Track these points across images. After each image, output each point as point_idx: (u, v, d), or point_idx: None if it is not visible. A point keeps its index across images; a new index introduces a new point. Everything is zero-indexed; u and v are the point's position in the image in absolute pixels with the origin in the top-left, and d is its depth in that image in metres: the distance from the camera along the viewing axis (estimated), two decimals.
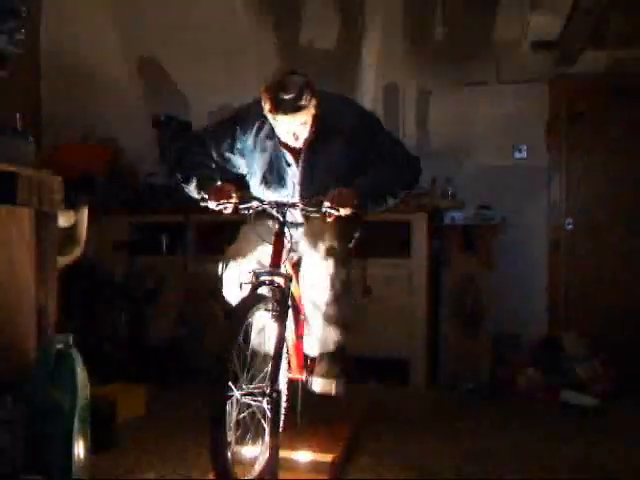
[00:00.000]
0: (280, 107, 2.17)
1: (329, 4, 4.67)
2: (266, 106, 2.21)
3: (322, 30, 4.68)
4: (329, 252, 2.35)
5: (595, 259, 4.28)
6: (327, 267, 2.36)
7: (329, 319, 2.43)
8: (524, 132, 4.38)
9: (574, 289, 4.33)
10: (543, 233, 4.39)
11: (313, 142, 2.39)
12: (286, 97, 2.16)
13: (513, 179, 4.35)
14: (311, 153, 2.41)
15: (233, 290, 2.38)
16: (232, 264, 2.43)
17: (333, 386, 2.46)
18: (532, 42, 4.27)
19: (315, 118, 2.30)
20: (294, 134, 2.29)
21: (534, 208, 4.36)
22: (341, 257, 2.39)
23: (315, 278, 2.39)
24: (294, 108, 2.17)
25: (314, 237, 2.39)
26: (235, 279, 2.31)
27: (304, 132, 2.30)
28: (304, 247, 2.43)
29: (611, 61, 4.19)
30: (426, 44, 4.52)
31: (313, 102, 2.23)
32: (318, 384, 2.46)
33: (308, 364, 2.60)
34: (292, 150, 2.42)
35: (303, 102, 2.18)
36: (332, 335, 2.47)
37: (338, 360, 2.51)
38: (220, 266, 2.47)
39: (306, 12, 4.72)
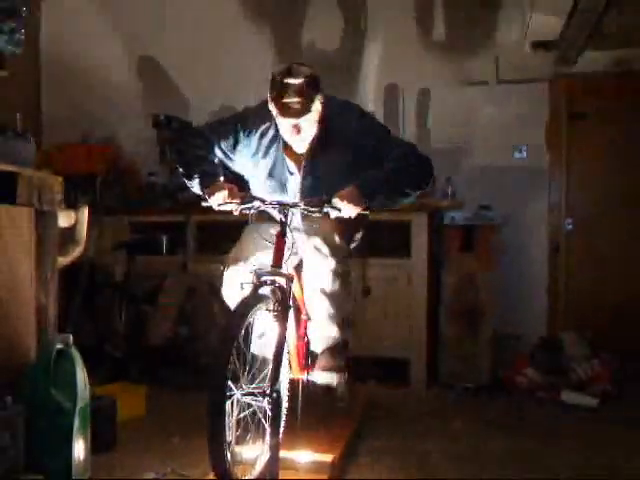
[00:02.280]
0: (286, 91, 2.16)
1: (330, 4, 4.68)
2: (272, 93, 2.20)
3: (323, 30, 4.69)
4: (330, 249, 2.35)
5: (595, 259, 4.28)
6: (328, 264, 2.36)
7: (330, 315, 2.45)
8: (524, 132, 4.38)
9: (574, 289, 4.33)
10: (543, 233, 4.38)
11: (316, 151, 2.37)
12: (292, 82, 2.15)
13: (513, 179, 4.35)
14: (314, 162, 2.39)
15: (232, 294, 2.38)
16: (232, 268, 2.43)
17: (334, 378, 2.53)
18: (532, 42, 4.27)
19: (319, 119, 2.28)
20: (296, 126, 2.24)
21: (534, 208, 4.36)
22: (341, 254, 2.40)
23: (316, 275, 2.40)
24: (299, 93, 2.15)
25: (315, 234, 2.40)
26: (235, 283, 2.30)
27: (307, 125, 2.26)
28: (305, 245, 2.43)
29: (611, 61, 4.20)
30: (426, 44, 4.53)
31: (318, 96, 2.22)
32: (320, 377, 2.53)
33: (310, 362, 2.61)
34: (294, 158, 2.40)
35: (310, 89, 2.17)
36: (333, 331, 2.50)
37: (338, 354, 2.56)
38: (222, 269, 2.47)
39: (307, 12, 4.73)
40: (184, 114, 4.68)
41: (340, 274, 2.40)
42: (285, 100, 2.18)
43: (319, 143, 2.36)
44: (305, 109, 2.20)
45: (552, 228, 4.38)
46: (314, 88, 2.20)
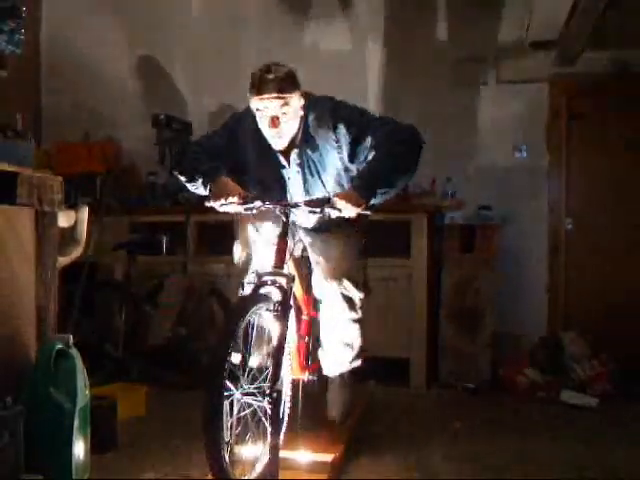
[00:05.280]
0: (266, 86, 2.22)
1: (331, 4, 4.68)
2: (252, 89, 2.26)
3: (323, 30, 4.69)
4: (343, 274, 2.48)
5: (595, 259, 4.28)
6: (342, 289, 2.49)
7: (345, 343, 2.61)
8: (524, 132, 4.38)
9: (574, 289, 4.33)
10: (543, 233, 4.38)
11: (301, 144, 2.40)
12: (272, 77, 2.22)
13: (513, 179, 4.35)
14: (302, 155, 2.41)
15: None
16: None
17: (342, 408, 2.74)
18: (532, 42, 4.27)
19: (300, 116, 2.33)
20: (274, 119, 2.26)
21: (534, 208, 4.36)
22: (355, 279, 2.52)
23: (329, 301, 2.52)
24: (277, 88, 2.22)
25: (327, 260, 2.51)
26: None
27: (285, 119, 2.28)
28: (317, 268, 2.52)
29: (611, 61, 4.20)
30: (426, 44, 4.52)
31: (297, 91, 2.28)
32: (330, 409, 2.72)
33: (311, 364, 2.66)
34: (284, 152, 2.42)
35: (287, 84, 2.24)
36: (347, 357, 2.66)
37: (348, 384, 2.76)
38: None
39: (308, 13, 4.73)
40: (184, 114, 4.68)
41: (355, 303, 2.55)
42: (264, 95, 2.23)
43: (303, 136, 2.39)
44: (283, 102, 2.25)
45: (552, 228, 4.38)
46: (291, 83, 2.26)
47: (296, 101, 2.29)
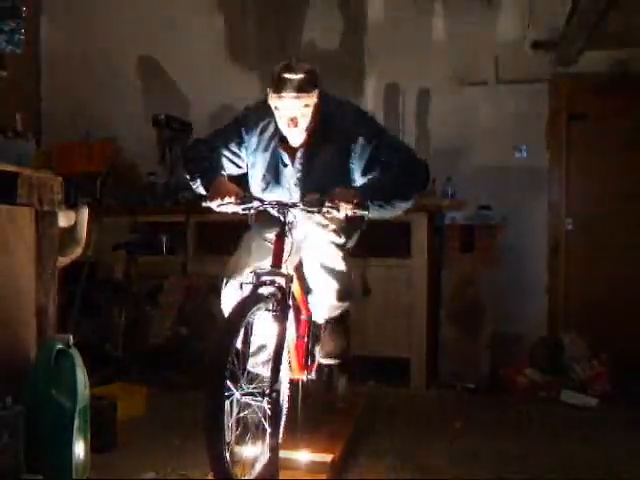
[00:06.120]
0: (285, 85, 2.21)
1: (331, 4, 4.68)
2: (272, 87, 2.25)
3: (323, 30, 4.69)
4: (332, 223, 2.39)
5: (595, 259, 4.28)
6: (330, 237, 2.40)
7: (332, 287, 2.49)
8: (524, 132, 4.38)
9: (574, 289, 4.33)
10: (543, 233, 4.39)
11: (310, 144, 2.40)
12: (292, 76, 2.21)
13: (513, 179, 4.35)
14: (308, 155, 2.41)
15: (230, 305, 2.36)
16: (230, 283, 2.42)
17: (336, 348, 2.70)
18: (532, 42, 4.28)
19: (316, 113, 2.32)
20: (294, 119, 2.27)
21: (534, 208, 4.36)
22: (343, 229, 2.43)
23: (318, 249, 2.43)
24: (299, 88, 2.21)
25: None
26: (233, 296, 2.30)
27: (304, 119, 2.29)
28: (307, 222, 2.43)
29: (611, 61, 4.20)
30: (426, 44, 4.53)
31: (316, 90, 2.27)
32: (324, 348, 2.66)
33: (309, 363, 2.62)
34: (289, 150, 2.42)
35: (308, 84, 2.23)
36: (335, 302, 2.56)
37: (341, 325, 2.72)
38: (223, 282, 2.47)
39: (308, 12, 4.74)
40: (184, 114, 4.68)
41: (341, 246, 2.45)
42: (283, 93, 2.22)
43: (315, 137, 2.39)
44: (302, 102, 2.24)
45: (552, 228, 4.38)
46: (312, 83, 2.25)
47: (315, 99, 2.29)
